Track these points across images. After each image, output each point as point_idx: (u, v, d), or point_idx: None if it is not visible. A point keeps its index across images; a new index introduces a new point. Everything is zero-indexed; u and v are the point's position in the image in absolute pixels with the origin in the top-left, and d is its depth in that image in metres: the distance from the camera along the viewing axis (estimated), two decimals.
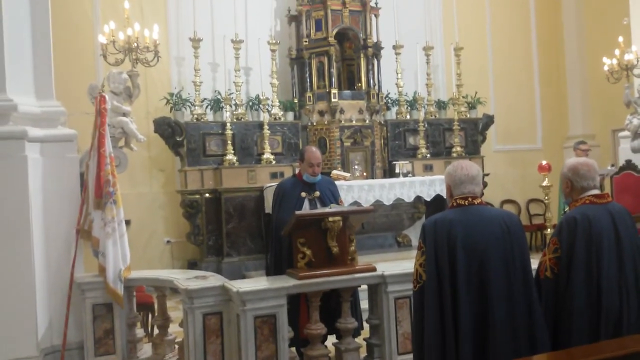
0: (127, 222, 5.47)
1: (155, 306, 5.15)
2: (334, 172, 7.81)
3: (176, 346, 4.78)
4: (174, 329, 4.99)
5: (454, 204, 2.89)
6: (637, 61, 8.33)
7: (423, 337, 2.78)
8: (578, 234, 2.92)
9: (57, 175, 5.01)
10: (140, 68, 6.06)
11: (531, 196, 10.69)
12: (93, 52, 7.96)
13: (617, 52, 8.47)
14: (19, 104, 4.77)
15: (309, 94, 8.55)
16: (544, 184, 6.46)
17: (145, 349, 4.98)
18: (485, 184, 8.67)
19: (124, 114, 5.59)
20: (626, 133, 8.82)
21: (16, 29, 4.92)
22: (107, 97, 5.13)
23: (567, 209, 7.87)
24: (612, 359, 2.42)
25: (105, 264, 4.72)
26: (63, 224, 5.00)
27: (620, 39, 8.52)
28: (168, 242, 8.57)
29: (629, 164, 8.87)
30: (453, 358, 2.68)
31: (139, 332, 5.06)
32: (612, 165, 9.29)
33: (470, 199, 2.87)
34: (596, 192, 3.09)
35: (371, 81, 8.69)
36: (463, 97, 9.60)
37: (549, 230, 7.06)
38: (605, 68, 8.57)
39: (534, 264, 3.00)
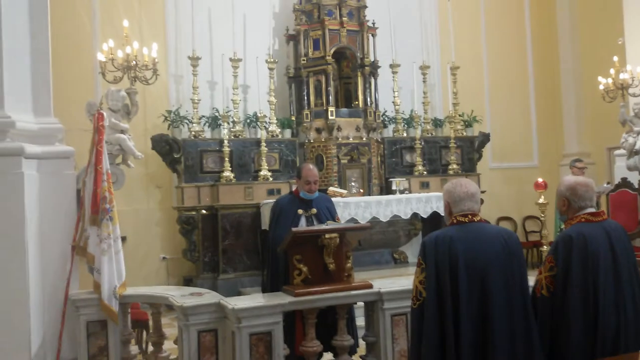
0: (123, 239, 5.45)
1: (150, 323, 5.12)
2: (331, 189, 7.83)
3: None
4: (168, 346, 4.95)
5: (454, 221, 2.90)
6: (632, 80, 8.42)
7: (421, 354, 2.75)
8: (574, 252, 2.93)
9: (54, 192, 5.00)
10: (138, 86, 6.10)
11: (527, 213, 10.71)
12: (92, 70, 8.00)
13: (612, 71, 8.55)
14: (17, 121, 4.78)
15: (306, 111, 8.60)
16: (540, 201, 6.49)
17: None
18: (481, 202, 8.69)
19: (122, 131, 5.60)
20: (622, 151, 8.86)
21: (15, 45, 4.95)
22: (105, 114, 5.15)
23: (562, 226, 7.90)
24: None
25: (100, 280, 4.70)
26: (59, 241, 4.98)
27: (615, 58, 8.61)
28: (164, 258, 8.54)
29: (624, 182, 8.91)
30: None
31: (134, 349, 5.02)
32: (608, 183, 9.32)
33: (470, 216, 2.88)
34: (592, 210, 3.10)
35: (368, 99, 8.76)
36: (459, 115, 9.66)
37: (545, 247, 7.07)
38: (601, 87, 8.65)
39: (530, 281, 3.00)
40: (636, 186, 8.74)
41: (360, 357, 4.54)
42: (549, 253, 3.09)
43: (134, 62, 6.09)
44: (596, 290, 2.88)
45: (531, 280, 3.02)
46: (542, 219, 6.64)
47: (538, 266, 3.91)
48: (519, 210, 10.77)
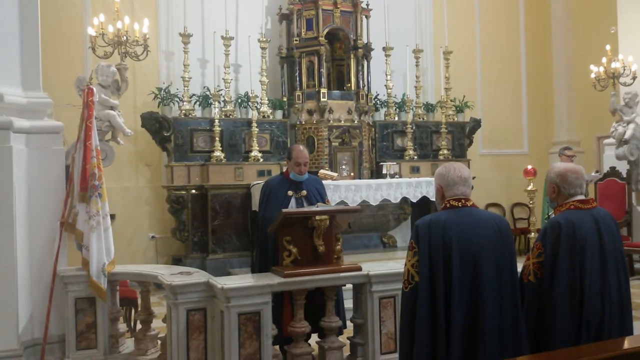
0: (112, 216, 5.43)
1: (139, 301, 5.12)
2: (322, 171, 7.83)
3: (159, 342, 4.74)
4: (157, 324, 4.96)
5: (447, 205, 2.87)
6: (624, 69, 8.44)
7: (412, 337, 2.75)
8: (562, 239, 2.93)
9: (43, 167, 4.96)
10: (129, 62, 6.02)
11: (516, 200, 10.78)
12: (82, 44, 7.89)
13: (604, 60, 8.57)
14: (5, 94, 4.72)
15: (298, 92, 8.55)
16: (529, 188, 6.53)
17: (128, 344, 4.95)
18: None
19: (112, 108, 5.54)
20: (611, 140, 8.93)
21: (3, 18, 4.87)
22: (94, 89, 5.09)
23: (551, 213, 7.94)
24: None
25: (89, 257, 4.68)
26: (47, 217, 4.95)
27: (608, 47, 8.62)
28: (153, 237, 8.52)
29: (613, 171, 8.99)
30: (443, 358, 2.68)
31: (122, 326, 5.03)
32: (597, 172, 9.40)
33: (463, 201, 2.86)
34: (581, 197, 3.10)
35: (360, 82, 8.72)
36: (451, 100, 9.66)
37: (532, 234, 7.13)
38: (592, 76, 8.67)
39: (518, 267, 3.02)
40: (624, 175, 8.83)
41: (348, 338, 4.58)
42: (537, 239, 3.10)
43: (125, 38, 6.00)
44: (582, 278, 2.90)
45: (519, 267, 3.04)
46: (530, 206, 6.68)
47: (525, 253, 3.96)
48: (508, 196, 10.84)
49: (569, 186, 3.10)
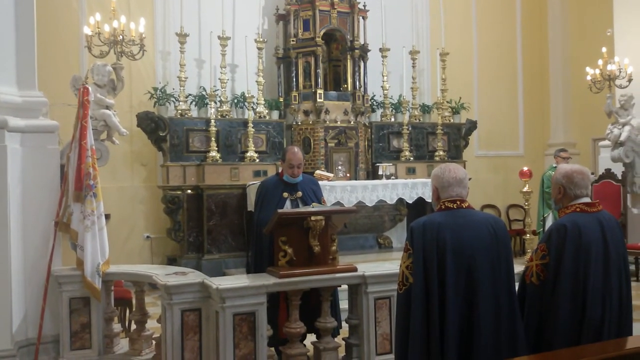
0: (107, 216, 5.41)
1: (133, 301, 5.10)
2: (318, 172, 7.82)
3: (153, 342, 4.73)
4: (151, 324, 4.95)
5: (442, 206, 2.86)
6: (619, 72, 8.46)
7: (407, 339, 2.75)
8: (567, 243, 2.92)
9: (37, 166, 4.94)
10: (125, 61, 6.01)
11: (511, 201, 10.79)
12: (78, 44, 7.88)
13: (600, 62, 8.59)
14: (0, 93, 4.70)
15: (294, 93, 8.55)
16: (525, 189, 6.55)
17: (122, 344, 4.93)
18: None
19: (107, 107, 5.52)
20: (606, 142, 8.94)
21: None
22: (90, 89, 5.07)
23: (546, 214, 7.98)
24: None
25: (84, 257, 4.66)
26: (42, 216, 4.92)
27: (604, 49, 8.65)
28: (148, 237, 8.49)
29: (608, 173, 9.01)
30: (438, 359, 2.67)
31: (116, 326, 5.00)
32: (592, 174, 9.40)
33: (458, 202, 2.85)
34: (587, 200, 3.09)
35: (357, 83, 8.72)
36: (447, 102, 9.67)
37: (528, 235, 7.16)
38: (588, 78, 8.69)
39: (515, 269, 3.01)
40: (619, 177, 8.85)
41: (343, 339, 4.58)
42: (541, 241, 3.08)
43: (121, 37, 5.98)
44: (586, 282, 2.89)
45: (516, 268, 3.03)
46: (525, 207, 6.71)
47: (521, 255, 3.96)
48: (503, 198, 10.86)
49: (575, 187, 3.08)
